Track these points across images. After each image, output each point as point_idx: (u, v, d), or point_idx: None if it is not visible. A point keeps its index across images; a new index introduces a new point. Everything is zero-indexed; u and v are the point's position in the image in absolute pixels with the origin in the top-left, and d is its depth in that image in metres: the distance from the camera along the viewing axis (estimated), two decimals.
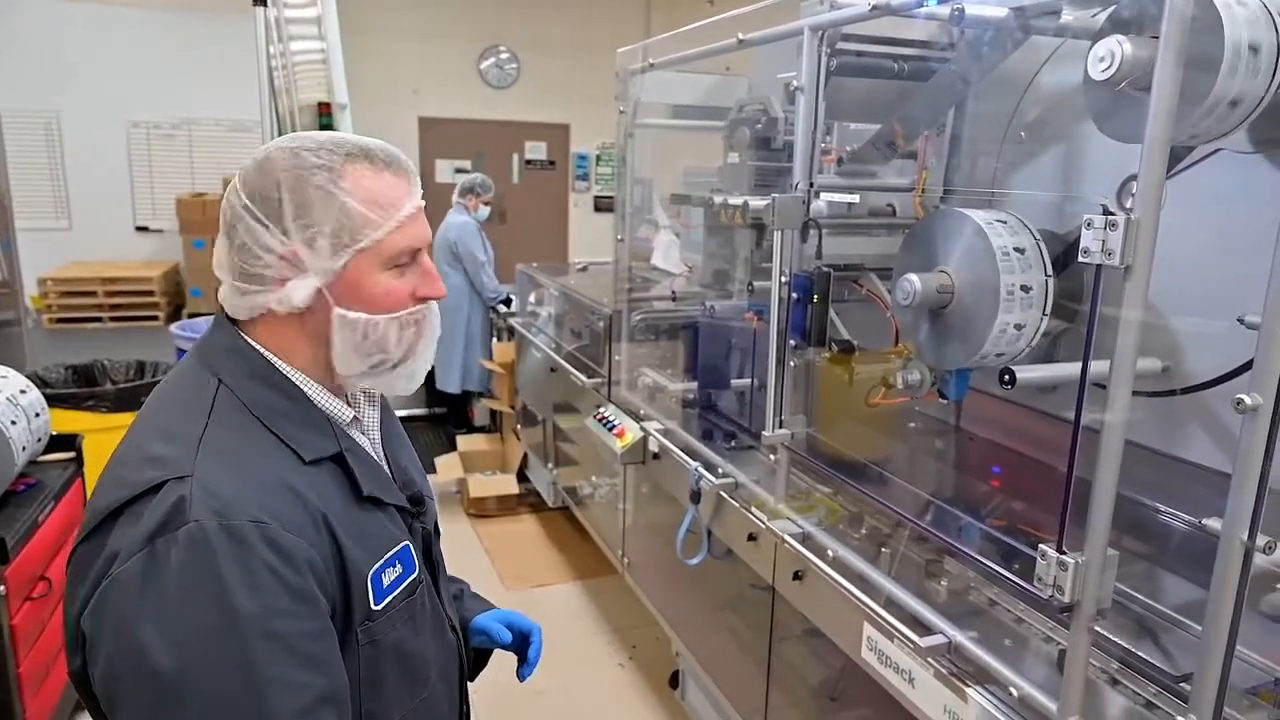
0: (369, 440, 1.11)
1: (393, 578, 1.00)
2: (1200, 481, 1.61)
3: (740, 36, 2.15)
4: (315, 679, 0.87)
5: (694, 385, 2.87)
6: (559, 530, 4.16)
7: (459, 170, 11.73)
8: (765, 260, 2.16)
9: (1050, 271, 1.68)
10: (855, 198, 1.89)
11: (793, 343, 1.95)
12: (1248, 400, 1.01)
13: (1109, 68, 1.29)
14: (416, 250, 1.01)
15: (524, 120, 11.80)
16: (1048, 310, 1.69)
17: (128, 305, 6.62)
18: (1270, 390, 1.00)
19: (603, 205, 8.39)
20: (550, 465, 4.03)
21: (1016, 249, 1.68)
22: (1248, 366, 1.55)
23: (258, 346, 1.00)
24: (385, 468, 1.11)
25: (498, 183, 12.44)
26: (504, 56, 11.93)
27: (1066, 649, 1.30)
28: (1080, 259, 1.19)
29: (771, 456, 2.08)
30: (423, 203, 1.02)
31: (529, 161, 12.25)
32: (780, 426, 2.02)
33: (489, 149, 11.96)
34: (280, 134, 5.25)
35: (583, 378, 3.35)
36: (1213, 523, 1.06)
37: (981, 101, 2.02)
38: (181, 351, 3.95)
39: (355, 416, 1.08)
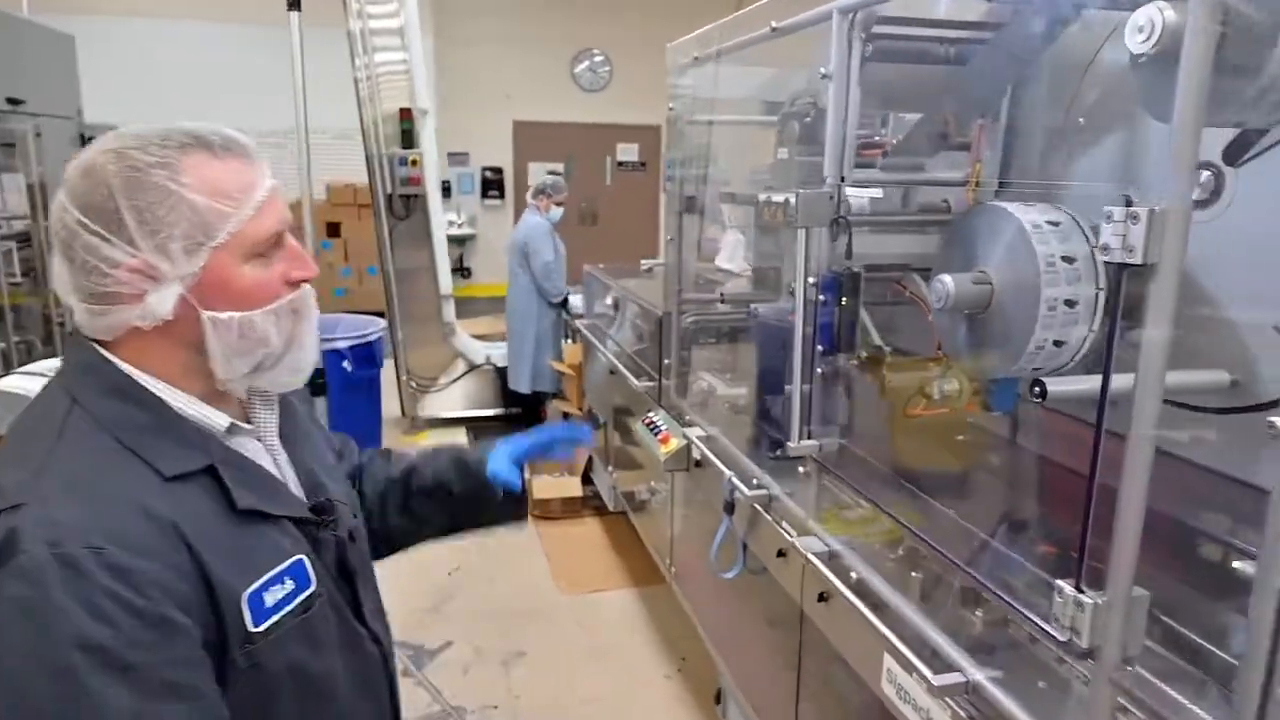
0: (265, 446, 1.06)
1: (279, 596, 0.95)
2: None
3: (773, 24, 2.03)
4: (176, 709, 0.82)
5: (744, 391, 2.76)
6: (620, 535, 4.11)
7: (551, 172, 11.95)
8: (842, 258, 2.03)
9: (1103, 284, 1.50)
10: (878, 192, 1.75)
11: (821, 348, 1.83)
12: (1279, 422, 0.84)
13: (1148, 39, 1.13)
14: (279, 234, 0.96)
15: (616, 122, 11.90)
16: (1095, 326, 1.51)
17: None
18: None
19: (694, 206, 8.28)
20: (610, 469, 3.98)
21: (1065, 258, 1.51)
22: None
23: (116, 361, 0.94)
24: (284, 475, 1.06)
25: (590, 185, 12.59)
26: (597, 60, 12.05)
27: (1089, 700, 1.15)
28: (1100, 256, 1.04)
29: (800, 469, 1.95)
30: (275, 182, 0.96)
31: (621, 163, 12.33)
32: (808, 437, 1.89)
33: (581, 151, 12.12)
34: (368, 143, 5.43)
35: (635, 381, 3.29)
36: (1244, 565, 0.90)
37: (1037, 85, 1.84)
38: None
39: (234, 424, 1.01)
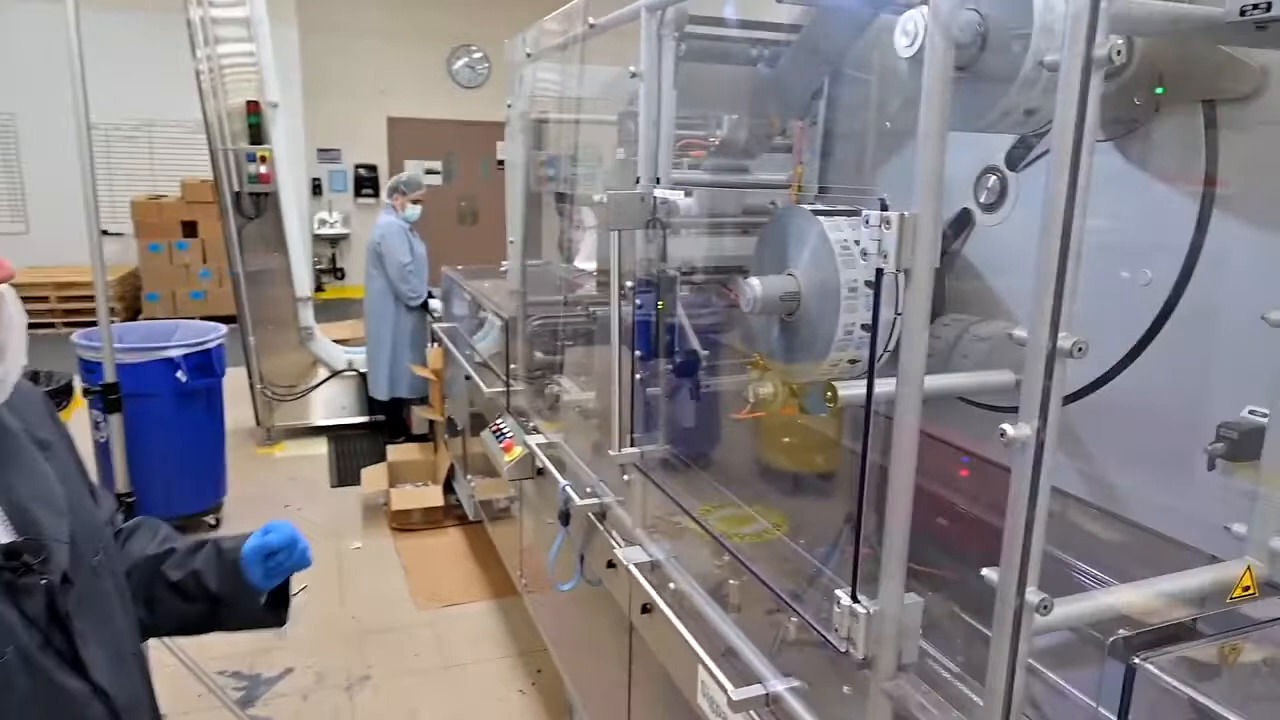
0: None
1: None
2: (1060, 508, 1.44)
3: (590, 21, 1.98)
4: None
5: (592, 395, 2.70)
6: (482, 545, 3.99)
7: (429, 171, 11.63)
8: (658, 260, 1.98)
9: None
10: (683, 193, 1.72)
11: (639, 353, 1.78)
12: (1011, 431, 0.83)
13: (912, 43, 1.13)
14: None
15: (496, 120, 11.69)
16: (900, 308, 1.52)
17: (82, 310, 6.45)
18: (1033, 413, 0.82)
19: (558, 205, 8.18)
20: (469, 477, 3.86)
21: (859, 241, 1.51)
22: (1103, 381, 1.39)
23: None
24: None
25: (470, 183, 12.32)
26: (476, 56, 11.80)
27: (867, 711, 1.14)
28: (862, 259, 1.02)
29: (625, 477, 1.91)
30: None
31: (501, 162, 12.11)
32: (631, 444, 1.85)
33: (460, 149, 11.84)
34: (212, 138, 5.11)
35: (485, 387, 3.18)
36: (990, 573, 0.89)
37: (846, 89, 1.85)
38: (84, 361, 3.77)
39: None
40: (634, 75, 1.72)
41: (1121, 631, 0.88)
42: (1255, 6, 0.73)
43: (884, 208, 0.98)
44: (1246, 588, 0.97)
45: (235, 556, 1.26)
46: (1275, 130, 1.09)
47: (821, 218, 1.54)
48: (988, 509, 1.60)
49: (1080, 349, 0.80)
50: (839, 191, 1.94)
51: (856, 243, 1.51)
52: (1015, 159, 1.45)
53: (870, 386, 1.05)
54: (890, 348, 1.57)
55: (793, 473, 2.04)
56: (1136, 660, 0.88)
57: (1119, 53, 0.73)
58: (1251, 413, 1.12)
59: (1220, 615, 0.96)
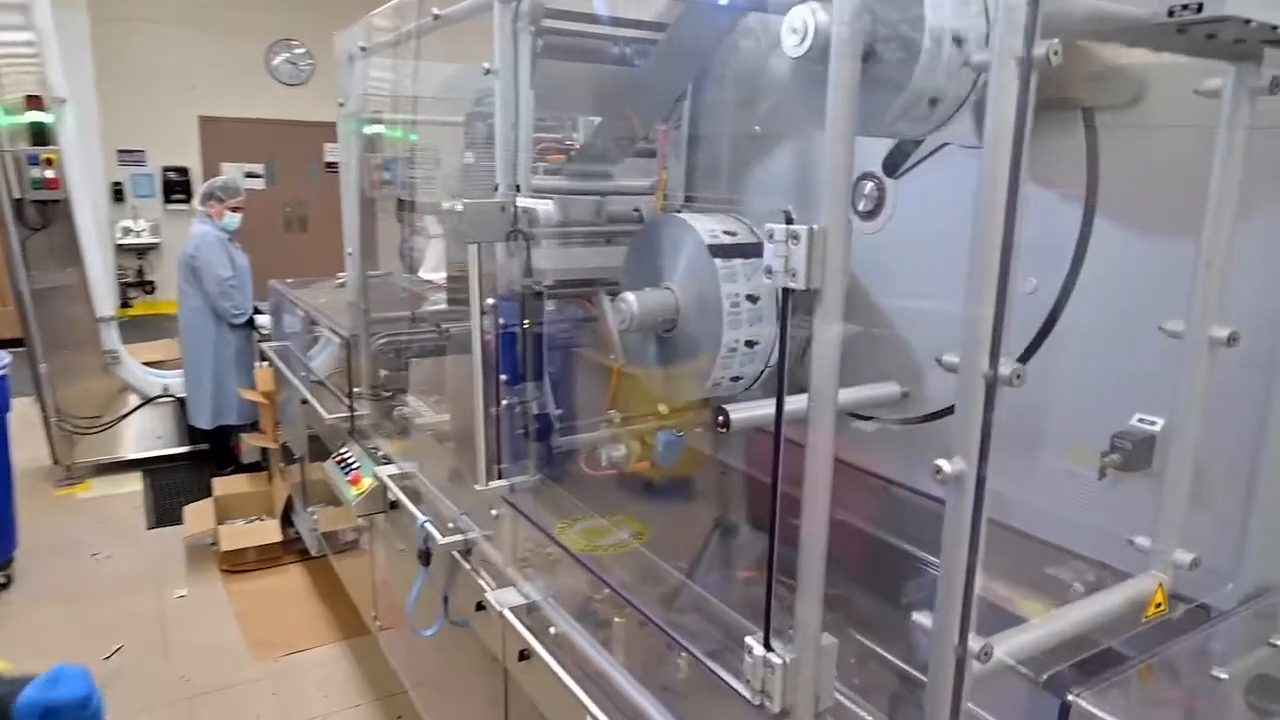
0: None
1: None
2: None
3: (436, 12, 1.81)
4: None
5: (447, 418, 2.51)
6: (329, 581, 3.67)
7: (250, 174, 10.80)
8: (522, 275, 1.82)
9: None
10: (548, 203, 1.59)
11: (504, 378, 1.63)
12: (948, 467, 0.76)
13: (802, 42, 1.04)
14: None
15: (323, 120, 10.99)
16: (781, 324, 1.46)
17: None
18: (972, 448, 0.75)
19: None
20: (310, 509, 3.54)
21: (740, 257, 1.44)
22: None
23: None
24: None
25: (296, 188, 11.57)
26: (298, 51, 11.07)
27: None
28: (765, 278, 0.92)
29: (493, 512, 1.75)
30: None
31: (330, 165, 11.42)
32: (499, 476, 1.69)
33: (284, 151, 11.07)
34: None
35: (325, 412, 2.91)
36: (923, 619, 0.81)
37: (713, 91, 1.78)
38: None
39: None
40: (488, 72, 1.57)
41: (1060, 667, 0.82)
42: (1185, 7, 0.69)
43: (789, 220, 0.89)
44: (1159, 604, 0.95)
45: (4, 709, 1.00)
46: (1153, 137, 1.09)
47: (698, 227, 1.45)
48: (869, 520, 1.57)
49: (1019, 376, 0.73)
50: (706, 199, 1.86)
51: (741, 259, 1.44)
52: (893, 165, 1.41)
53: (779, 422, 0.95)
54: (771, 364, 1.52)
55: (657, 481, 1.96)
56: (1071, 696, 0.83)
57: (1056, 53, 0.67)
58: (1140, 421, 1.11)
59: (1140, 635, 0.93)
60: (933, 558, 1.44)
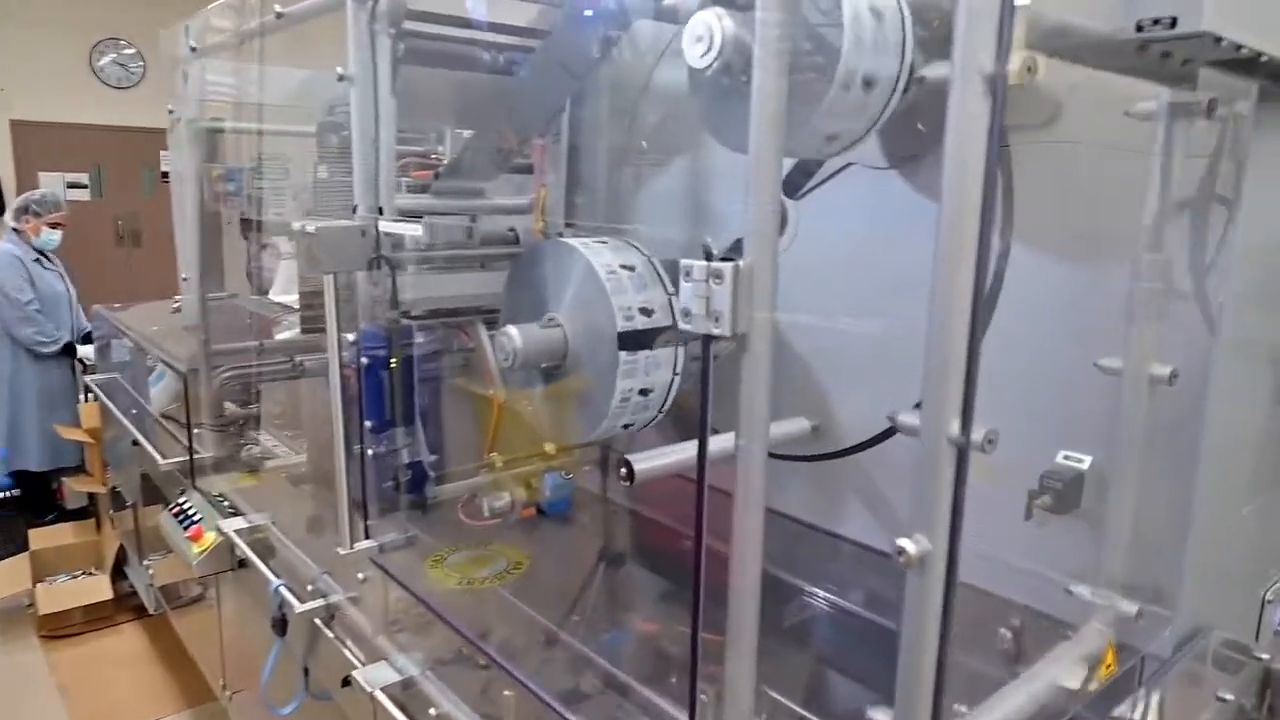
0: None
1: None
2: (862, 565, 1.34)
3: (278, 9, 1.59)
4: None
5: (304, 459, 2.26)
6: (172, 641, 3.28)
7: (73, 184, 9.83)
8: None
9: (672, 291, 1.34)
10: (416, 228, 1.41)
11: (370, 425, 1.43)
12: (912, 548, 0.65)
13: (708, 51, 0.93)
14: None
15: (156, 126, 10.13)
16: (679, 369, 1.34)
17: None
18: (939, 524, 0.65)
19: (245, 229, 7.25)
20: (145, 561, 3.15)
21: (625, 264, 1.31)
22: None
23: None
24: None
25: (127, 200, 10.67)
26: (127, 52, 10.16)
27: None
28: (682, 324, 0.79)
29: (360, 576, 1.54)
30: None
31: (166, 175, 10.57)
32: (365, 536, 1.49)
33: (112, 160, 10.13)
34: None
35: (160, 456, 2.58)
36: (881, 716, 0.70)
37: (597, 104, 1.65)
38: None
39: None
40: (342, 79, 1.37)
41: None
42: (1156, 22, 0.61)
43: (709, 255, 0.77)
44: (1109, 666, 0.89)
45: None
46: (1068, 159, 1.04)
47: (589, 255, 1.31)
48: (784, 568, 1.47)
49: (992, 441, 0.63)
50: (588, 222, 1.72)
51: (641, 307, 1.31)
52: (794, 185, 1.32)
53: (701, 487, 0.82)
54: (664, 410, 1.40)
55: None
56: None
57: (1031, 69, 0.57)
58: (1067, 458, 1.06)
59: (1098, 698, 0.86)
60: (856, 608, 1.36)
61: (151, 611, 3.27)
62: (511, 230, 1.92)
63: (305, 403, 2.38)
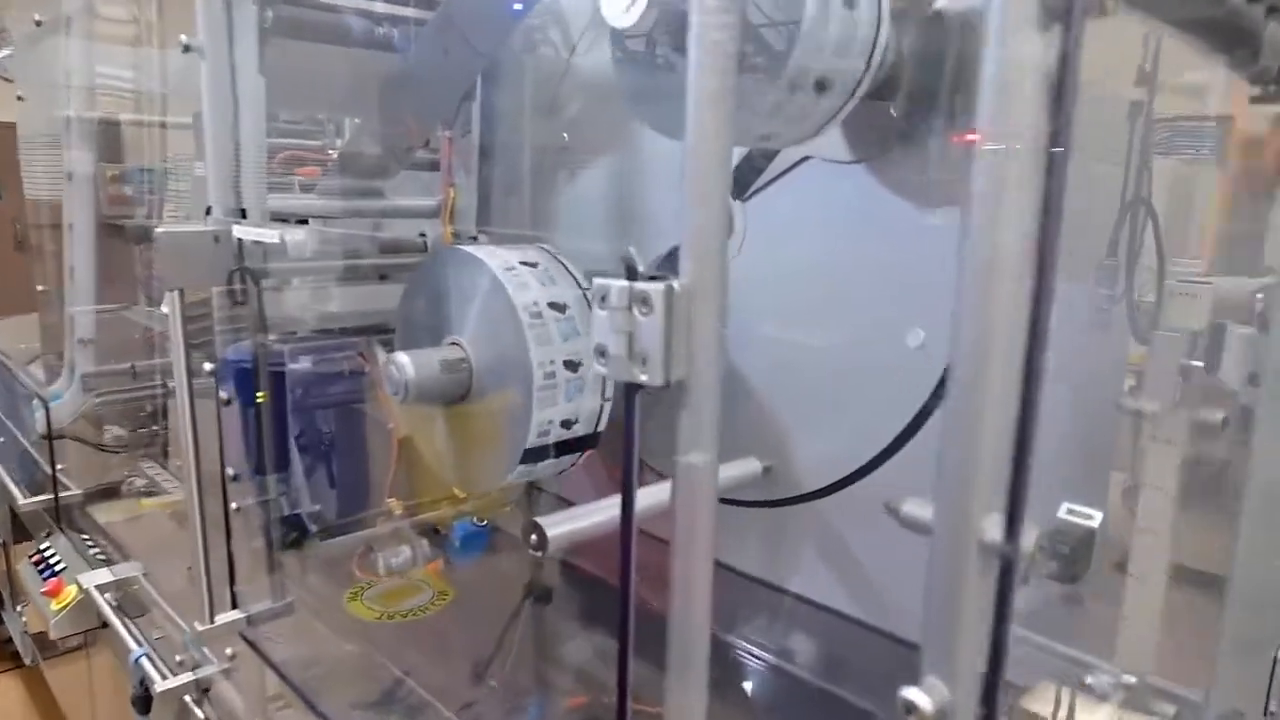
0: None
1: None
2: (820, 629, 1.14)
3: None
4: None
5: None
6: (57, 689, 2.93)
7: None
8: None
9: None
10: (298, 232, 1.17)
11: (233, 473, 1.18)
12: (926, 705, 0.44)
13: (631, 6, 0.72)
14: None
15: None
16: (608, 394, 1.13)
17: None
18: (964, 678, 0.45)
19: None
20: (18, 607, 2.80)
21: (553, 305, 1.09)
22: (870, 469, 1.11)
23: None
24: None
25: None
26: None
27: None
28: (596, 366, 0.58)
29: (229, 651, 1.29)
30: None
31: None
32: (232, 605, 1.24)
33: (8, 157, 9.51)
34: None
35: (20, 494, 2.26)
36: None
37: (508, 88, 1.42)
38: None
39: None
40: (187, 49, 1.13)
41: None
42: None
43: (632, 273, 0.55)
44: None
45: None
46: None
47: (495, 267, 1.09)
48: (733, 632, 1.27)
49: (1043, 548, 0.43)
50: (501, 228, 1.50)
51: (555, 306, 1.09)
52: (742, 184, 1.12)
53: (627, 564, 0.61)
54: (593, 439, 1.18)
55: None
56: None
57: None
58: (1072, 514, 0.87)
59: None
60: (818, 681, 1.16)
61: (27, 662, 2.92)
62: (422, 236, 1.69)
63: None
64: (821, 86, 0.79)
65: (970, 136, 0.43)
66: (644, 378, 0.55)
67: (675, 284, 0.54)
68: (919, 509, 0.46)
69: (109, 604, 1.73)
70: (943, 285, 0.68)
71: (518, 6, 1.19)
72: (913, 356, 0.98)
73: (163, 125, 2.54)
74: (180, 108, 2.42)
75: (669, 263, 1.17)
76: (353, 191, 1.50)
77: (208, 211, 1.15)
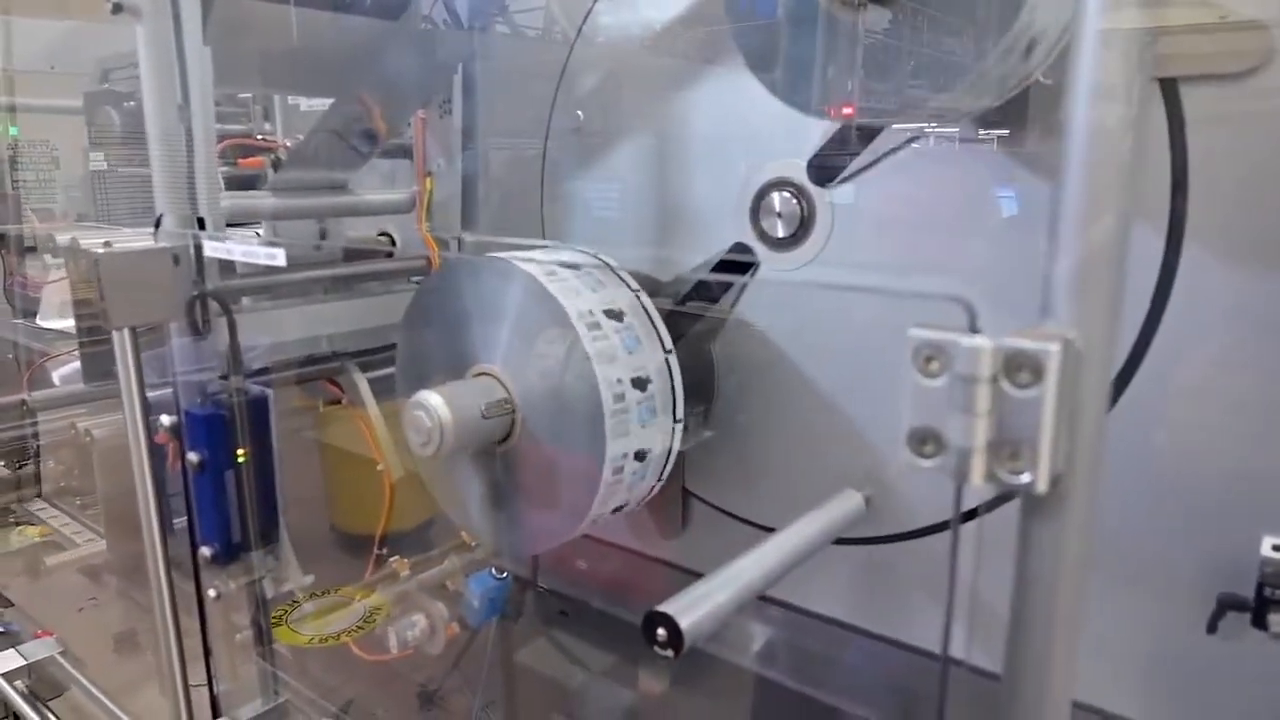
0: None
1: None
2: (928, 679, 1.00)
3: None
4: None
5: (101, 548, 1.70)
6: None
7: None
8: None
9: (670, 346, 0.94)
10: (276, 251, 0.92)
11: (208, 552, 0.93)
12: None
13: None
14: None
15: None
16: (680, 414, 0.94)
17: None
18: None
19: None
20: None
21: (609, 313, 0.90)
22: (1000, 501, 0.97)
23: None
24: None
25: None
26: None
27: None
28: (919, 462, 0.40)
29: None
30: None
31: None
32: (216, 716, 0.99)
33: None
34: None
35: None
36: None
37: (501, 56, 1.20)
38: None
39: None
40: (118, 9, 0.85)
41: None
42: None
43: (973, 323, 0.37)
44: None
45: None
46: (1274, 123, 0.72)
47: (535, 272, 0.88)
48: (818, 688, 1.12)
49: None
50: (495, 221, 1.28)
51: (611, 314, 0.90)
52: (827, 170, 0.94)
53: None
54: (664, 477, 1.00)
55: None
56: None
57: None
58: (1277, 549, 0.75)
59: None
60: None
61: None
62: (384, 235, 1.45)
63: (98, 467, 1.78)
64: (1029, 49, 0.62)
65: None
66: (1022, 478, 0.37)
67: (1069, 337, 0.36)
68: None
69: (18, 692, 1.43)
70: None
71: None
72: None
73: (11, 109, 2.17)
74: (44, 86, 2.06)
75: (727, 268, 0.97)
76: (312, 186, 1.24)
77: (157, 223, 0.88)
